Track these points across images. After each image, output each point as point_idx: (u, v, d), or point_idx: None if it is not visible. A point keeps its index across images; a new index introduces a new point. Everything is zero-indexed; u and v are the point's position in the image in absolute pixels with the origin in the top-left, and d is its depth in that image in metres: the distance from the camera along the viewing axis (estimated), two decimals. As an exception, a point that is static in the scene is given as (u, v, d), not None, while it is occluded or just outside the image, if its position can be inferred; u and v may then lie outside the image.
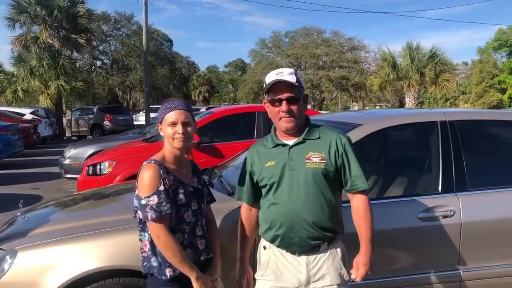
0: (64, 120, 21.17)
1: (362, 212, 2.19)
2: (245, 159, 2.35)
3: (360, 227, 2.20)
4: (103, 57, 40.14)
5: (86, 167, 6.44)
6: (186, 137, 2.09)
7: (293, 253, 2.19)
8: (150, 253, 2.06)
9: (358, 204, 2.21)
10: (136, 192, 2.00)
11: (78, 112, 22.37)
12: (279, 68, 2.38)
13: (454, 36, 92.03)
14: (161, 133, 2.14)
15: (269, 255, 2.26)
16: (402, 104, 35.76)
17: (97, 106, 23.51)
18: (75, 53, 21.26)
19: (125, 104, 38.95)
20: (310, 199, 2.13)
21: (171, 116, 2.08)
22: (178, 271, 2.01)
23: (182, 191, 2.07)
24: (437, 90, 22.10)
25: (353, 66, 39.84)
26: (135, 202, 2.00)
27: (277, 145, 2.24)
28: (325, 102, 45.16)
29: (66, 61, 18.35)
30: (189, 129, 2.10)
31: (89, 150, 8.25)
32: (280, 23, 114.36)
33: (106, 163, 6.25)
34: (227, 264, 2.39)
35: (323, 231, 2.15)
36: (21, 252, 2.43)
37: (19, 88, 17.32)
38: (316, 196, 2.14)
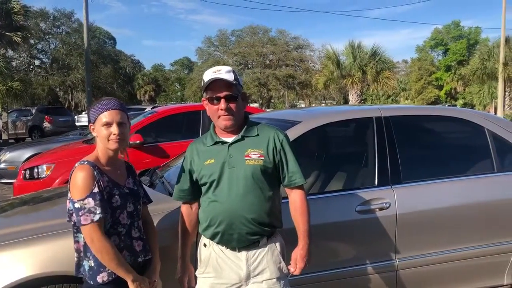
0: (0, 123, 20.09)
1: (299, 206, 2.24)
2: (184, 157, 2.34)
3: (298, 222, 2.24)
4: (42, 56, 38.31)
5: (23, 171, 6.13)
6: (122, 138, 2.04)
7: (233, 249, 2.21)
8: (83, 256, 2.00)
9: (295, 199, 2.25)
10: (69, 195, 1.94)
11: (15, 114, 21.27)
12: (226, 66, 2.38)
13: (395, 35, 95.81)
14: (94, 134, 2.08)
15: (209, 252, 2.26)
16: (346, 102, 36.73)
17: (35, 107, 22.47)
18: (10, 52, 20.16)
19: (66, 104, 37.47)
20: (249, 196, 2.16)
21: (106, 116, 2.03)
22: (113, 275, 1.97)
23: (117, 193, 2.02)
24: (379, 87, 22.92)
25: (299, 65, 40.50)
26: (69, 205, 1.93)
27: (216, 142, 2.25)
28: (272, 100, 45.60)
29: (1, 60, 17.41)
30: (124, 130, 2.06)
31: (26, 153, 7.88)
32: (228, 22, 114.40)
33: (44, 166, 5.99)
34: (170, 265, 2.37)
35: (262, 227, 2.19)
36: None
37: None
38: (255, 192, 2.17)
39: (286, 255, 2.28)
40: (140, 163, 5.56)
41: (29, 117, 20.64)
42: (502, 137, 3.39)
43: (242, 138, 2.23)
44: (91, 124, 2.09)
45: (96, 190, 1.92)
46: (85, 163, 1.98)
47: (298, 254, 2.23)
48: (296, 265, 2.23)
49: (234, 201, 2.16)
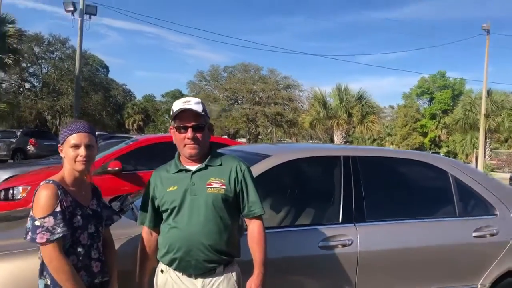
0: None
1: (256, 236, 2.32)
2: (148, 183, 2.42)
3: (254, 251, 2.31)
4: (33, 80, 38.43)
5: (-2, 192, 6.11)
6: (88, 160, 2.12)
7: (190, 276, 2.26)
8: (39, 274, 2.03)
9: (253, 229, 2.33)
10: (31, 212, 1.99)
11: (-1, 135, 21.16)
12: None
13: (383, 81, 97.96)
14: (62, 155, 2.15)
15: (166, 278, 2.31)
16: (332, 142, 37.26)
17: (21, 130, 22.34)
18: (1, 74, 20.22)
19: (54, 129, 37.28)
20: (209, 224, 2.23)
21: (74, 138, 2.11)
22: None
23: (79, 213, 2.08)
24: (364, 130, 23.31)
25: (288, 104, 41.12)
26: (28, 223, 1.98)
27: (180, 170, 2.33)
28: (260, 137, 45.90)
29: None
30: (91, 152, 2.14)
31: (4, 174, 7.82)
32: (222, 58, 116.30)
33: (20, 188, 5.97)
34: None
35: (220, 255, 2.25)
36: None
37: None
38: (214, 220, 2.24)
39: (242, 285, 2.33)
40: (118, 190, 5.56)
41: (13, 139, 20.48)
42: (465, 183, 3.52)
43: (206, 167, 2.32)
44: (59, 145, 2.17)
45: (58, 209, 1.97)
46: (50, 182, 2.04)
47: (253, 282, 2.28)
48: None
49: (193, 228, 2.22)
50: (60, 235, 1.96)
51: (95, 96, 40.25)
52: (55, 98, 37.06)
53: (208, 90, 42.93)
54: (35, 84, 37.92)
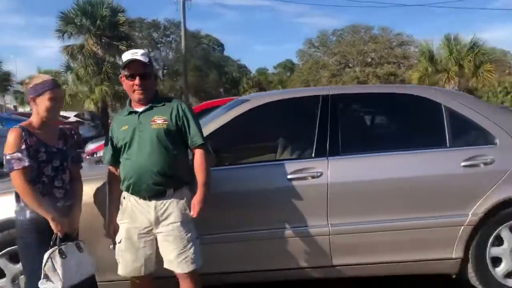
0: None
1: (199, 162, 2.69)
2: (110, 128, 2.91)
3: (198, 175, 2.70)
4: (155, 64, 42.04)
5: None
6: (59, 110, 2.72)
7: (144, 198, 2.70)
8: (15, 199, 2.64)
9: (197, 157, 2.71)
10: (4, 151, 2.59)
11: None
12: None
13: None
14: (33, 104, 2.69)
15: (126, 202, 2.78)
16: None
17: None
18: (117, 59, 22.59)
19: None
20: (155, 153, 2.65)
21: (53, 93, 2.63)
22: (37, 214, 2.55)
23: (43, 150, 2.61)
24: (478, 82, 21.37)
25: (402, 62, 39.08)
26: (4, 160, 2.59)
27: (130, 112, 2.77)
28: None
29: (109, 67, 19.73)
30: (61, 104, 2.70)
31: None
32: (337, 23, 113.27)
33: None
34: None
35: (166, 178, 2.65)
36: None
37: (66, 93, 18.88)
38: (159, 150, 2.65)
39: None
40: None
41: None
42: (461, 113, 3.40)
43: (151, 107, 2.72)
44: (32, 97, 2.71)
45: (23, 146, 2.54)
46: (17, 126, 2.62)
47: (196, 200, 2.67)
48: (194, 209, 2.67)
49: (142, 158, 2.66)
50: (25, 165, 2.52)
51: (211, 74, 42.67)
52: (174, 79, 40.19)
53: (317, 56, 42.67)
54: (157, 67, 41.35)
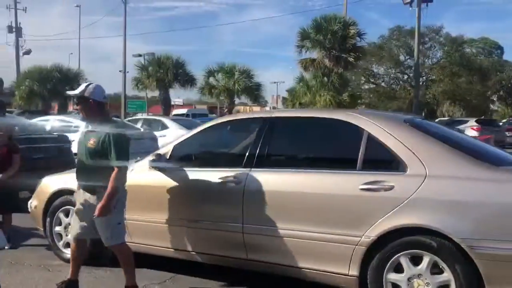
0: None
1: (111, 179, 3.66)
2: None
3: (108, 187, 3.69)
4: (408, 71, 41.58)
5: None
6: None
7: (84, 191, 3.88)
8: None
9: (112, 174, 3.69)
10: None
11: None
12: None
13: None
14: None
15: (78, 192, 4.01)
16: None
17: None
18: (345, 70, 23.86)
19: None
20: (88, 163, 3.78)
21: None
22: None
23: None
24: None
25: None
26: None
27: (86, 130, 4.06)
28: None
29: (336, 78, 21.32)
30: None
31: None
32: None
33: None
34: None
35: (93, 182, 3.76)
36: None
37: (297, 102, 21.46)
38: (91, 161, 3.76)
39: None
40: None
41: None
42: (378, 139, 3.47)
43: (92, 130, 3.85)
44: None
45: None
46: None
47: (99, 205, 3.63)
48: (97, 212, 3.61)
49: (82, 165, 3.87)
50: None
51: (472, 80, 39.53)
52: (428, 86, 38.88)
53: None
54: (410, 75, 40.78)
